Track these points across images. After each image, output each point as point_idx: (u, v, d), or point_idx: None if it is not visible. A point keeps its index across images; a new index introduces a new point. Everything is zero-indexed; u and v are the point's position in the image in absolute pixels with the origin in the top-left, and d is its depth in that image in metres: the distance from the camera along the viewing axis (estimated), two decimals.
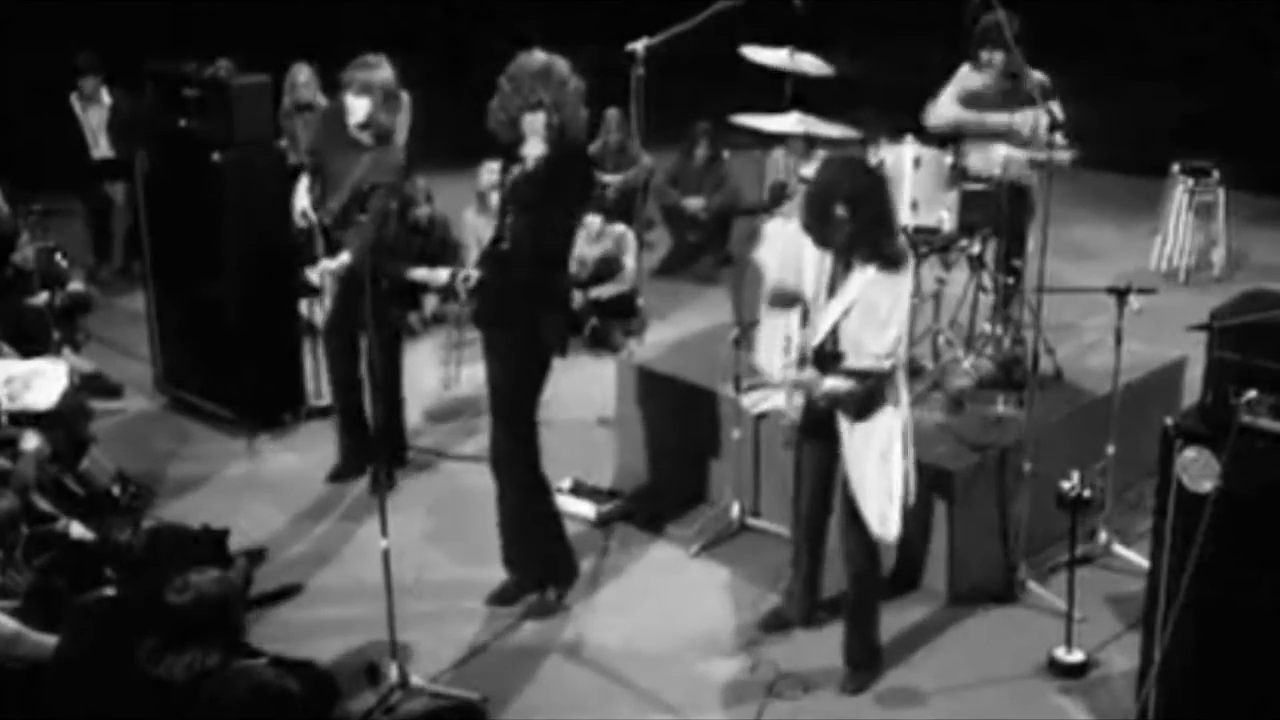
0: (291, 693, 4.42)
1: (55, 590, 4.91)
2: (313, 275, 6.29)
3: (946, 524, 5.44)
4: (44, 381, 5.91)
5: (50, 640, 4.44)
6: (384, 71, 5.96)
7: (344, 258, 6.00)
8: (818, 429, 4.78)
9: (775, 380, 4.80)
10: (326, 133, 6.32)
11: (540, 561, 5.48)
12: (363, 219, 5.99)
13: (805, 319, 4.71)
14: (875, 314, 4.53)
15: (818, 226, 4.55)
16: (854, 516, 4.74)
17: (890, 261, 4.54)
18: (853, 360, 4.56)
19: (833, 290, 4.62)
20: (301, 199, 6.25)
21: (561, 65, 4.98)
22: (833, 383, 4.57)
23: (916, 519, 5.47)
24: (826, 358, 4.62)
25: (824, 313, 4.63)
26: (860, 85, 6.49)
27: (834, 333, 4.61)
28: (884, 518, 4.65)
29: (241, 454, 6.86)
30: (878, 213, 4.53)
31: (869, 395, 4.60)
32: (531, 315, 5.11)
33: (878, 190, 4.58)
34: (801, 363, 4.64)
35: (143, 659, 4.19)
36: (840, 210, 4.47)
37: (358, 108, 5.96)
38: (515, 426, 5.26)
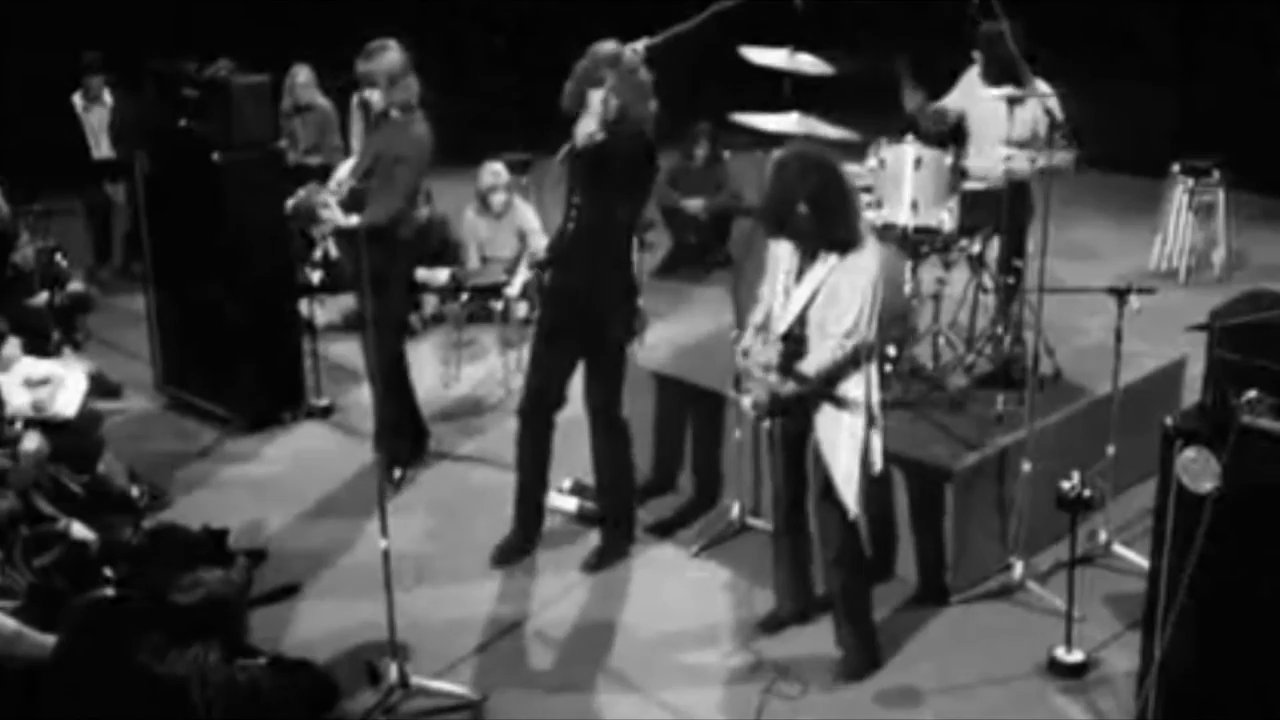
0: (290, 693, 4.44)
1: (55, 590, 4.92)
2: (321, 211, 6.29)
3: (946, 523, 5.43)
4: (66, 393, 5.95)
5: (50, 640, 4.44)
6: (386, 58, 6.02)
7: (354, 217, 6.00)
8: (788, 404, 4.80)
9: (746, 375, 4.82)
10: (370, 124, 6.44)
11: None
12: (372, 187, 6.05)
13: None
14: (838, 297, 4.61)
15: (780, 225, 4.68)
16: (829, 495, 4.76)
17: (850, 245, 4.62)
18: (816, 343, 4.62)
19: (799, 279, 4.70)
20: (342, 170, 6.33)
21: (630, 56, 5.24)
22: (791, 387, 4.65)
23: (916, 514, 5.52)
24: (793, 344, 4.68)
25: (791, 300, 4.70)
26: (860, 85, 6.49)
27: (800, 320, 4.68)
28: (848, 485, 4.70)
29: (245, 456, 6.87)
30: (839, 209, 4.62)
31: (838, 373, 4.65)
32: (599, 314, 5.35)
33: (837, 186, 4.64)
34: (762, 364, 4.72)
35: (146, 656, 4.19)
36: (803, 209, 4.57)
37: (374, 99, 6.12)
38: (612, 423, 5.56)
